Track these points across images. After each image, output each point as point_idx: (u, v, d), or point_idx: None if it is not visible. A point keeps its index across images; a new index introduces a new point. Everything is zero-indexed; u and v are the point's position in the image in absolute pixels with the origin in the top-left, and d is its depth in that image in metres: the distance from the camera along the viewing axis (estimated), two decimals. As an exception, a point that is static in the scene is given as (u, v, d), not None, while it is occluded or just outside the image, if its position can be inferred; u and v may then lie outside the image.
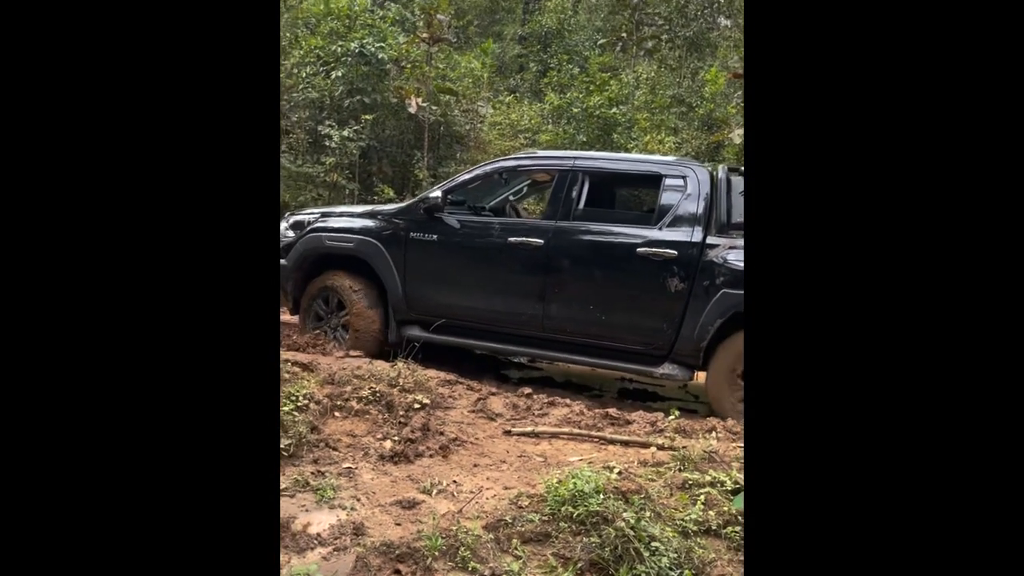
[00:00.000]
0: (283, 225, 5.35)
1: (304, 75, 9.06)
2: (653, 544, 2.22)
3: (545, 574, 2.16)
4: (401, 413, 3.40)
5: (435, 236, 4.75)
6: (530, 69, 15.46)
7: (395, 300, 4.85)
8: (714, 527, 2.42)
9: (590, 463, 2.98)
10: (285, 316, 5.47)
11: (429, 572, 2.10)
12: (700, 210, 4.26)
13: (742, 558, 2.25)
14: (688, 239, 4.21)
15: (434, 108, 8.95)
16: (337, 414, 3.38)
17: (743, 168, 4.26)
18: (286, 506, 2.47)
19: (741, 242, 4.05)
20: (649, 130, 10.24)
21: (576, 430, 3.53)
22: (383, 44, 8.83)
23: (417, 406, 3.49)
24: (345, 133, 8.40)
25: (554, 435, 3.50)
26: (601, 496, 2.37)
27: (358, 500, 2.61)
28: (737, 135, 8.62)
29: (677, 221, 4.30)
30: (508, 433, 3.52)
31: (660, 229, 4.30)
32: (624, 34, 13.58)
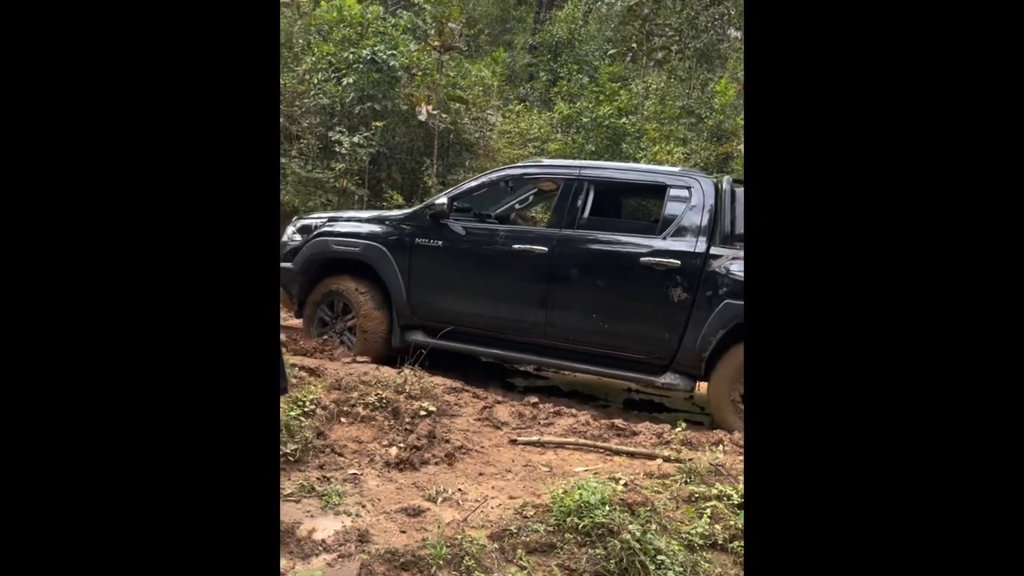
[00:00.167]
0: (291, 229, 5.37)
1: (316, 81, 9.10)
2: (659, 558, 2.21)
3: (550, 585, 2.15)
4: (407, 420, 3.40)
5: (440, 242, 4.76)
6: (540, 78, 15.48)
7: (399, 305, 4.86)
8: (720, 541, 2.40)
9: (596, 474, 2.96)
10: (293, 322, 5.49)
11: (433, 581, 2.10)
12: (704, 221, 4.26)
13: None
14: (692, 249, 4.21)
15: (444, 116, 8.97)
16: (343, 420, 3.38)
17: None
18: (291, 511, 2.47)
19: None
20: (658, 141, 10.24)
21: (582, 440, 3.52)
22: (395, 52, 8.87)
23: (423, 413, 3.49)
24: (355, 139, 8.43)
25: (560, 445, 3.49)
26: (607, 508, 2.36)
27: (363, 507, 2.61)
28: (746, 147, 8.60)
29: (681, 231, 4.30)
30: (514, 442, 3.51)
31: (664, 239, 4.31)
32: (634, 45, 13.59)
